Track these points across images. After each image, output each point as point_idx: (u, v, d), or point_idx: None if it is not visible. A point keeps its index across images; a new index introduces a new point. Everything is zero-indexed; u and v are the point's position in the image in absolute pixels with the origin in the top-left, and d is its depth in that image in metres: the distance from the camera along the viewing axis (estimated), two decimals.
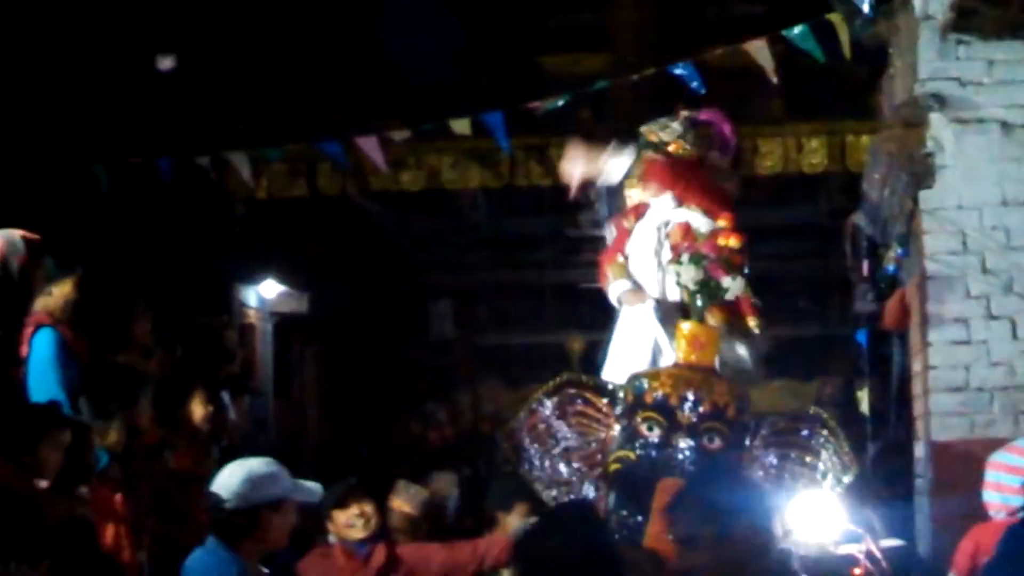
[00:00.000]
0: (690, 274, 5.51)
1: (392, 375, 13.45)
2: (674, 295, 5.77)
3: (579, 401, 5.46)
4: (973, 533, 4.98)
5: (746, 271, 5.68)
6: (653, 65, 8.46)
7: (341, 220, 12.57)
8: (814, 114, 10.39)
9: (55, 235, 6.54)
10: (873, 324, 7.98)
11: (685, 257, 5.56)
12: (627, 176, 6.19)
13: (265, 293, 12.09)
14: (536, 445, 5.45)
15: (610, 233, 6.18)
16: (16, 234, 6.14)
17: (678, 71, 7.89)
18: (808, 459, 5.31)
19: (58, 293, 6.07)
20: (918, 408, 6.49)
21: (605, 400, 5.45)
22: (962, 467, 5.85)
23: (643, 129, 6.11)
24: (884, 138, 6.61)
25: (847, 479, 5.29)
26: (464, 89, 11.24)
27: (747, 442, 5.32)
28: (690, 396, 5.26)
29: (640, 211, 6.06)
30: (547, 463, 5.45)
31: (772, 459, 5.32)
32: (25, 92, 9.07)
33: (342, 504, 5.83)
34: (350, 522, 5.82)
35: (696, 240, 5.67)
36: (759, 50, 7.69)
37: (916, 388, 6.56)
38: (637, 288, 5.90)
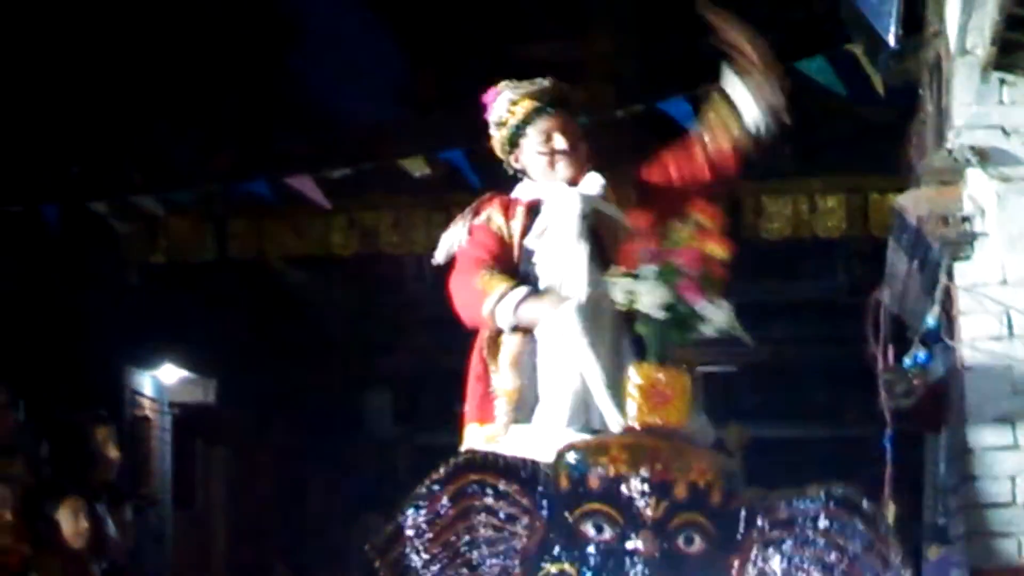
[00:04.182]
0: (654, 296, 4.51)
1: (318, 481, 13.36)
2: (609, 307, 4.73)
3: (487, 492, 4.42)
4: None
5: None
6: (636, 101, 8.47)
7: (257, 291, 12.55)
8: (830, 167, 10.43)
9: None
10: (901, 424, 7.92)
11: (649, 271, 4.54)
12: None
13: (164, 380, 12.02)
14: (427, 558, 4.41)
15: (453, 240, 5.22)
16: None
17: (667, 107, 7.91)
18: (834, 559, 4.32)
19: None
20: (956, 527, 6.46)
21: (521, 488, 4.44)
22: None
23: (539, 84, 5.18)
24: (913, 198, 6.56)
25: None
26: (410, 129, 11.25)
27: (739, 540, 4.33)
28: (656, 476, 4.29)
29: (514, 207, 5.11)
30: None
31: (778, 564, 4.33)
32: None
33: None
34: None
35: (666, 244, 4.62)
36: None
37: (953, 503, 6.55)
38: (543, 292, 4.91)
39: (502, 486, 4.39)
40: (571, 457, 4.31)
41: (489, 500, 4.38)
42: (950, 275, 6.32)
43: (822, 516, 4.29)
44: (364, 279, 13.07)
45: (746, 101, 5.26)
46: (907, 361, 7.44)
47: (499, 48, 12.33)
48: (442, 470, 4.37)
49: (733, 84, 5.31)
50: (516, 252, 5.05)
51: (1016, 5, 5.45)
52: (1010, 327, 6.18)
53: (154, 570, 10.75)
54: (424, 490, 4.36)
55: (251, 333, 12.78)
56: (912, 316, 7.36)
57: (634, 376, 4.45)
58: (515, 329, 4.93)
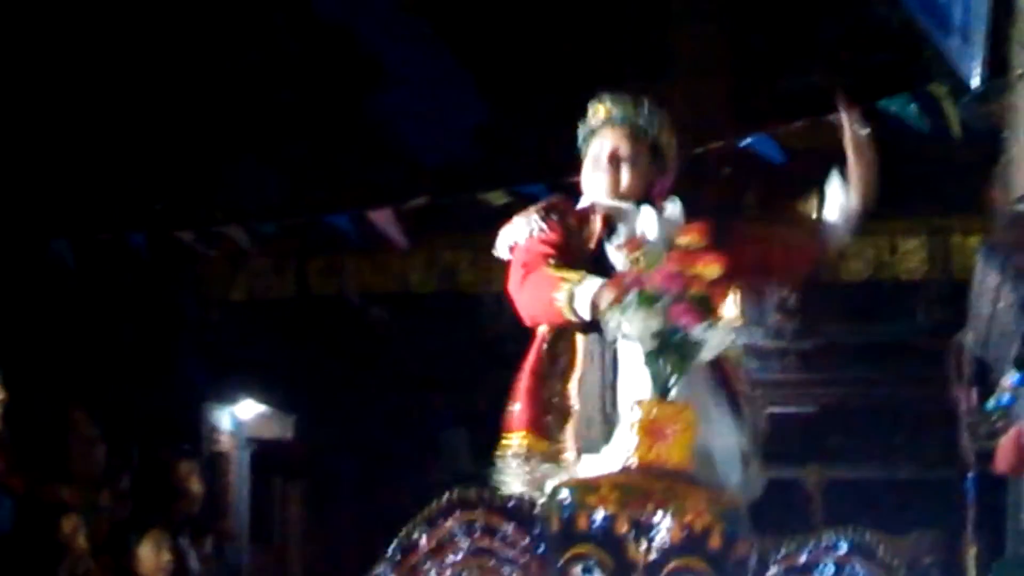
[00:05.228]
0: (637, 324, 4.26)
1: (394, 519, 13.35)
2: None
3: (478, 532, 4.15)
4: None
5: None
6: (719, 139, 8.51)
7: (336, 328, 12.61)
8: (912, 209, 10.35)
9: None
10: (983, 467, 7.88)
11: (631, 297, 4.28)
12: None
13: (242, 415, 12.07)
14: None
15: (518, 233, 4.91)
16: None
17: (751, 143, 7.97)
18: None
19: None
20: None
21: (518, 527, 4.17)
22: None
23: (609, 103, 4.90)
24: (997, 240, 6.64)
25: None
26: (488, 169, 11.30)
27: None
28: (648, 517, 4.03)
29: (587, 213, 4.81)
30: None
31: None
32: None
33: None
34: None
35: (645, 268, 4.38)
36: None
37: None
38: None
39: (497, 523, 4.14)
40: (562, 495, 4.09)
41: (480, 540, 4.14)
42: None
43: (839, 563, 4.06)
44: (442, 317, 13.11)
45: (845, 200, 4.90)
46: (990, 403, 7.43)
47: (580, 90, 12.35)
48: (432, 508, 4.14)
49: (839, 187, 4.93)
50: (586, 257, 4.74)
51: None
52: None
53: None
54: (412, 530, 4.14)
55: (329, 369, 12.82)
56: (995, 359, 7.33)
57: (635, 411, 4.21)
58: (587, 329, 4.57)
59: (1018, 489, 7.33)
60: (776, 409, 11.47)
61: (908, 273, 10.28)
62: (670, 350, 4.22)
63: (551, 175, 8.90)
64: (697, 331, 4.18)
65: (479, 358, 13.87)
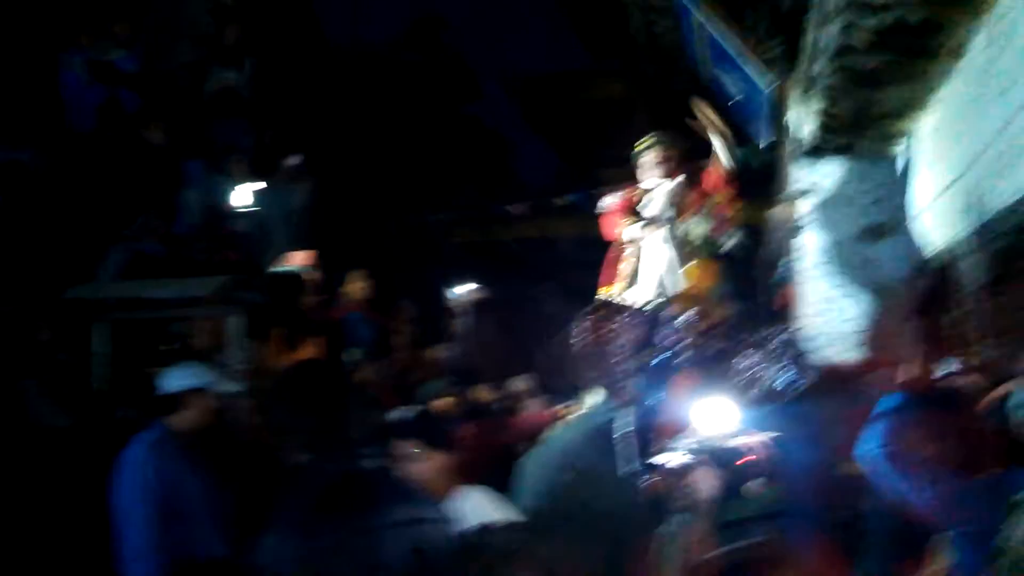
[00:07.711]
0: (699, 230, 4.27)
1: (524, 324, 13.43)
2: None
3: (612, 316, 3.78)
4: None
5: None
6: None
7: (498, 251, 12.76)
8: (746, 195, 10.21)
9: (366, 261, 6.74)
10: (772, 303, 7.87)
11: (698, 219, 4.27)
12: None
13: (463, 291, 12.21)
14: (587, 347, 3.78)
15: (613, 199, 4.45)
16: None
17: None
18: (768, 359, 3.79)
19: (355, 288, 6.28)
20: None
21: (631, 316, 3.82)
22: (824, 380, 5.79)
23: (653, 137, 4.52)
24: (778, 212, 6.58)
25: (792, 383, 3.78)
26: (560, 188, 11.31)
27: (735, 345, 3.89)
28: (698, 312, 3.92)
29: (637, 193, 4.29)
30: (596, 360, 3.82)
31: (750, 360, 3.81)
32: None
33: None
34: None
35: (706, 207, 4.25)
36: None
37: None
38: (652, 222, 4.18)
39: (617, 312, 3.81)
40: (658, 301, 4.11)
41: (604, 320, 3.75)
42: (792, 243, 6.26)
43: (766, 339, 3.75)
44: (542, 248, 13.17)
45: (723, 153, 4.84)
46: (775, 278, 7.40)
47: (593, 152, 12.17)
48: (588, 307, 3.82)
49: (717, 146, 4.80)
50: None
51: (821, 131, 5.38)
52: (816, 264, 6.05)
53: (459, 361, 10.94)
54: (581, 315, 3.79)
55: (499, 270, 12.91)
56: (778, 259, 7.29)
57: (691, 267, 4.28)
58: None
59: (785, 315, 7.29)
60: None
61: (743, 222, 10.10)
62: (710, 244, 4.44)
63: (591, 187, 8.95)
64: (723, 237, 4.51)
65: (557, 266, 13.94)
